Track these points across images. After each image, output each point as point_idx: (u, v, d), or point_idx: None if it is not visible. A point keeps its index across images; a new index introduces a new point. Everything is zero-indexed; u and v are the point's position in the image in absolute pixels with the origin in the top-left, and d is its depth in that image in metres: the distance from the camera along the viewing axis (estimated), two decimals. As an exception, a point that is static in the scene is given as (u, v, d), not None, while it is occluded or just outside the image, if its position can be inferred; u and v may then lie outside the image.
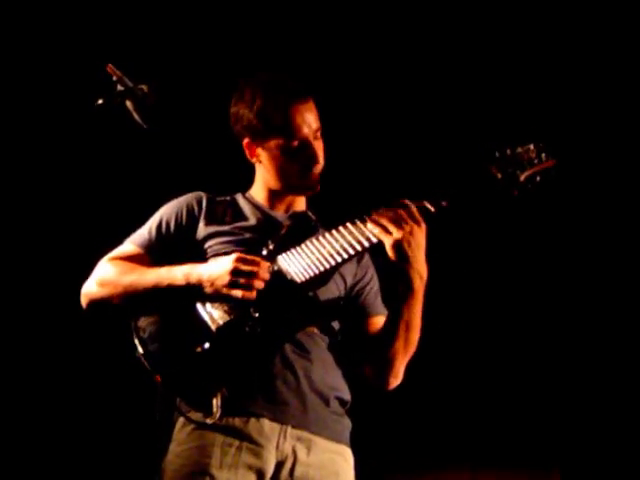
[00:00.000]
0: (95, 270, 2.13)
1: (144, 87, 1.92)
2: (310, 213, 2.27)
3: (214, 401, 1.90)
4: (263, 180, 2.24)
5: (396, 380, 2.14)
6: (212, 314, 1.98)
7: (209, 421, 1.91)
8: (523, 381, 3.69)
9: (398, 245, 1.92)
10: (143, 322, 2.03)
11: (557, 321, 3.71)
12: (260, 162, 2.21)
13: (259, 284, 1.94)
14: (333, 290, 2.11)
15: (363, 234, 1.96)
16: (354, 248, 1.96)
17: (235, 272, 1.93)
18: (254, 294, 1.94)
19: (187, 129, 3.45)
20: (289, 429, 1.98)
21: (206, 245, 2.13)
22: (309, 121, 2.12)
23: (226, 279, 1.93)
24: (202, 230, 2.16)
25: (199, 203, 2.20)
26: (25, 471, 3.53)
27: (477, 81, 3.60)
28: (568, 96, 3.53)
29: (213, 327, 1.97)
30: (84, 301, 2.11)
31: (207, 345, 1.95)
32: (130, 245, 2.16)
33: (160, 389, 1.97)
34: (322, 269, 1.97)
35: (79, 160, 3.39)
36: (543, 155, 1.96)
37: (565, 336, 3.70)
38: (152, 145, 2.88)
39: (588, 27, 3.45)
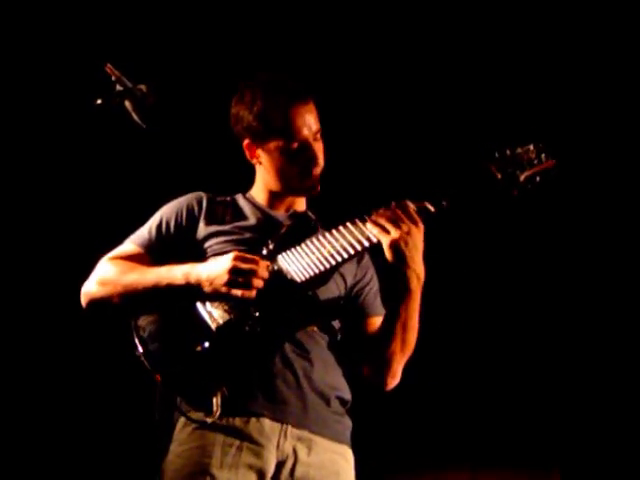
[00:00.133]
0: (95, 269, 2.13)
1: (143, 87, 1.92)
2: (310, 213, 2.27)
3: (214, 400, 1.90)
4: (263, 181, 2.24)
5: (394, 380, 2.14)
6: (212, 313, 1.99)
7: (209, 420, 1.91)
8: (523, 381, 3.69)
9: (395, 245, 1.92)
10: (143, 321, 2.04)
11: (557, 321, 3.71)
12: (260, 163, 2.21)
13: (258, 283, 1.94)
14: (333, 290, 2.11)
15: (363, 234, 1.96)
16: (354, 248, 1.96)
17: (234, 271, 1.93)
18: (254, 293, 1.94)
19: (186, 129, 3.46)
20: (290, 429, 1.98)
21: (206, 245, 2.14)
22: (309, 123, 2.12)
23: (225, 278, 1.93)
24: (202, 230, 2.16)
25: (199, 203, 2.20)
26: (25, 471, 3.53)
27: (477, 81, 3.60)
28: (568, 97, 3.53)
29: (213, 326, 1.97)
30: (84, 300, 2.11)
31: (207, 344, 1.95)
32: (130, 245, 2.16)
33: (160, 388, 1.97)
34: (322, 269, 1.98)
35: (79, 160, 3.40)
36: (543, 155, 1.96)
37: (565, 336, 3.70)
38: (151, 145, 2.89)
39: (587, 27, 3.45)
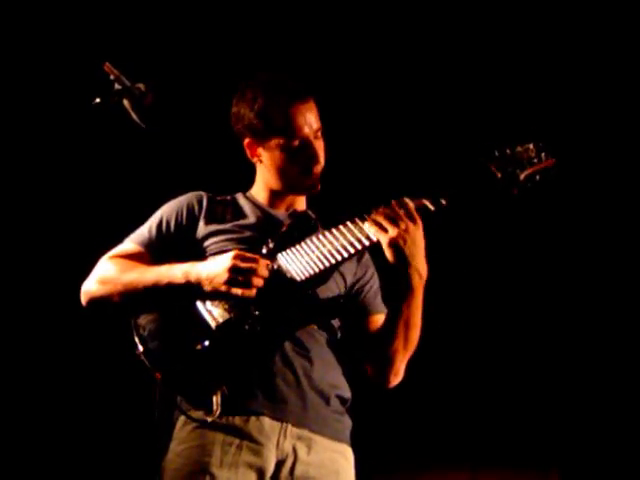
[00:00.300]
0: (95, 268, 2.13)
1: (142, 86, 1.92)
2: (310, 212, 2.27)
3: (214, 399, 1.91)
4: (264, 180, 2.24)
5: (397, 378, 2.14)
6: (212, 312, 1.99)
7: (209, 419, 1.91)
8: (522, 381, 3.68)
9: (394, 243, 1.92)
10: (143, 320, 2.04)
11: (556, 321, 3.70)
12: (261, 162, 2.21)
13: (258, 282, 1.94)
14: (333, 288, 2.11)
15: (363, 233, 1.97)
16: (354, 246, 1.97)
17: (234, 269, 1.93)
18: (254, 292, 1.94)
19: (185, 128, 3.46)
20: (289, 428, 1.98)
21: (206, 244, 2.14)
22: (310, 121, 2.12)
23: (224, 277, 1.93)
24: (202, 229, 2.16)
25: (199, 202, 2.21)
26: (25, 470, 3.53)
27: (477, 80, 3.60)
28: (568, 95, 3.53)
29: (213, 325, 1.97)
30: (84, 299, 2.11)
31: (207, 343, 1.95)
32: (130, 244, 2.16)
33: (160, 387, 1.97)
34: (322, 267, 1.98)
35: (78, 159, 3.39)
36: (543, 154, 1.96)
37: (564, 336, 3.69)
38: (150, 144, 2.88)
39: (587, 27, 3.45)
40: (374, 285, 2.24)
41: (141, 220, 2.20)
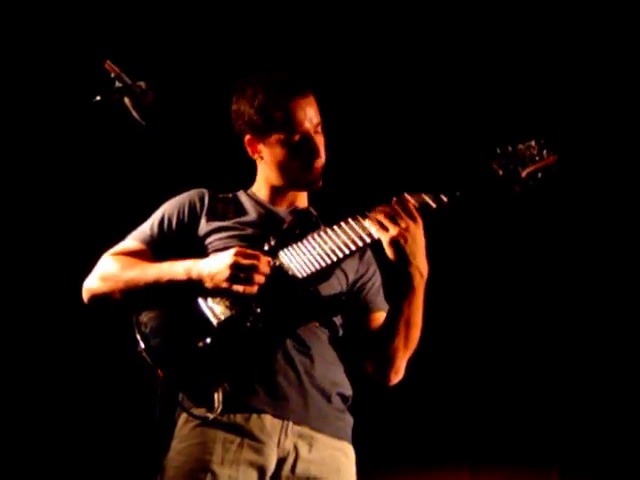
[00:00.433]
0: (97, 265, 2.13)
1: (142, 84, 1.92)
2: (312, 209, 2.27)
3: (216, 396, 1.90)
4: (265, 176, 2.24)
5: (397, 376, 2.14)
6: (214, 309, 1.98)
7: (211, 416, 1.91)
8: (522, 380, 3.68)
9: (394, 241, 1.92)
10: (145, 317, 2.04)
11: (555, 319, 3.70)
12: (262, 158, 2.21)
13: (260, 278, 1.93)
14: (335, 286, 2.11)
15: (364, 230, 1.96)
16: (355, 244, 1.96)
17: (235, 266, 1.92)
18: (255, 289, 1.94)
19: (186, 126, 3.45)
20: (290, 425, 1.98)
21: (208, 241, 2.14)
22: (310, 116, 2.12)
23: (226, 273, 1.93)
24: (204, 226, 2.16)
25: (201, 200, 2.21)
26: (25, 469, 3.53)
27: (478, 77, 3.59)
28: (570, 92, 3.52)
29: (214, 322, 1.97)
30: (86, 296, 2.11)
31: (208, 340, 1.95)
32: (132, 241, 2.17)
33: (162, 385, 1.96)
34: (324, 264, 1.98)
35: (79, 157, 3.39)
36: (544, 151, 1.96)
37: (565, 334, 3.68)
38: (151, 142, 2.88)
39: (588, 23, 3.45)
40: (376, 283, 2.24)
41: (143, 218, 2.20)
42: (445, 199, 1.94)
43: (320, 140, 2.15)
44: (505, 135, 2.01)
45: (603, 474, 3.59)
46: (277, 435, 1.96)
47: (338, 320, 2.17)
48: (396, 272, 1.97)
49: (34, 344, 3.57)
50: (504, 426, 3.65)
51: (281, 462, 1.97)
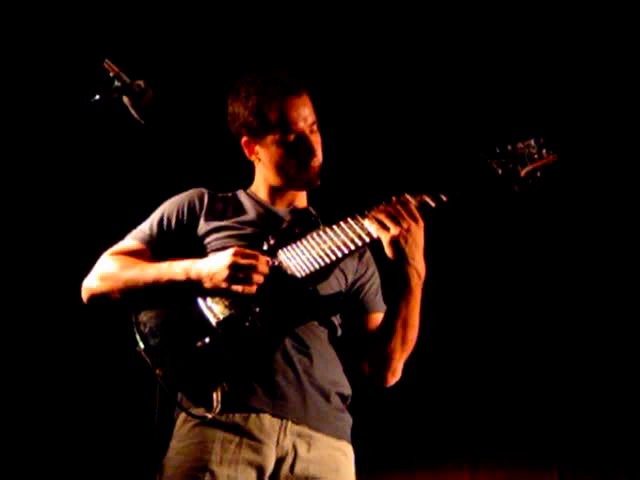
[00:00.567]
0: (96, 265, 2.13)
1: (141, 83, 1.92)
2: (311, 208, 2.26)
3: (214, 396, 1.90)
4: (263, 177, 2.24)
5: (394, 377, 2.14)
6: (213, 309, 1.98)
7: (209, 416, 1.91)
8: (522, 379, 3.68)
9: (395, 242, 1.92)
10: (144, 317, 2.04)
11: (555, 318, 3.69)
12: (259, 160, 2.21)
13: (258, 278, 1.93)
14: (334, 285, 2.12)
15: (364, 229, 1.96)
16: (354, 243, 1.96)
17: (233, 266, 1.92)
18: (254, 289, 1.93)
19: (185, 125, 3.46)
20: (289, 425, 1.98)
21: (207, 240, 2.14)
22: (304, 115, 2.12)
23: (225, 273, 1.92)
24: (203, 226, 2.16)
25: (200, 199, 2.21)
26: (25, 469, 3.53)
27: (478, 76, 3.59)
28: (569, 91, 3.52)
29: (214, 322, 1.97)
30: (85, 295, 2.11)
31: (207, 340, 1.95)
32: (131, 240, 2.17)
33: (161, 384, 1.96)
34: (322, 264, 1.98)
35: (78, 156, 3.39)
36: (544, 151, 1.96)
37: (564, 333, 3.68)
38: (150, 141, 2.88)
39: (587, 22, 3.44)
40: (375, 284, 2.25)
41: (142, 217, 2.20)
42: (445, 198, 1.94)
43: (316, 139, 2.15)
44: (504, 134, 2.01)
45: (603, 474, 3.59)
46: (276, 434, 1.96)
47: (337, 319, 2.17)
48: (394, 272, 1.97)
49: (34, 344, 3.57)
50: (504, 426, 3.65)
51: (280, 462, 1.97)
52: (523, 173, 1.95)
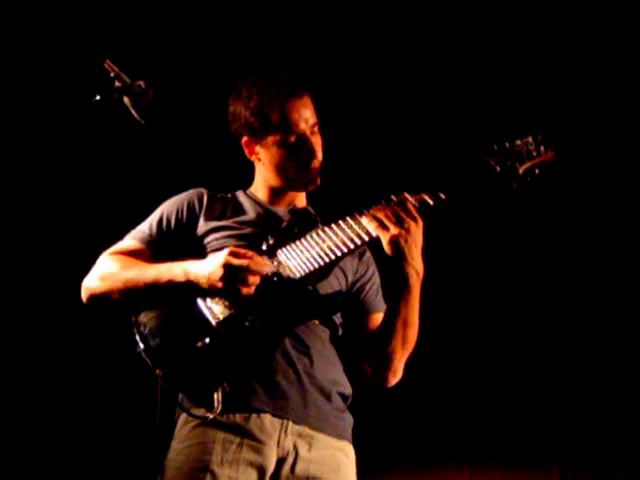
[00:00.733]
0: (96, 265, 2.13)
1: (142, 83, 1.92)
2: (310, 208, 2.27)
3: (215, 396, 1.90)
4: (263, 178, 2.25)
5: (395, 377, 2.14)
6: (212, 309, 1.99)
7: (211, 416, 1.91)
8: (522, 379, 3.68)
9: (394, 241, 1.92)
10: (144, 318, 2.04)
11: (554, 318, 3.69)
12: (259, 160, 2.22)
13: (254, 277, 1.93)
14: (333, 284, 2.12)
15: (362, 228, 1.97)
16: (353, 242, 1.97)
17: (227, 265, 1.92)
18: (251, 288, 1.94)
19: (185, 125, 3.46)
20: (290, 425, 1.98)
21: (206, 240, 2.14)
22: (305, 116, 2.13)
23: (219, 273, 1.93)
24: (202, 226, 2.16)
25: (200, 199, 2.21)
26: (25, 469, 3.53)
27: (475, 73, 3.58)
28: (567, 88, 3.52)
29: (213, 322, 1.97)
30: (84, 295, 2.11)
31: (208, 340, 1.95)
32: (131, 240, 2.17)
33: (161, 385, 1.96)
34: (322, 263, 1.98)
35: (78, 157, 3.39)
36: (542, 148, 1.97)
37: (564, 333, 3.68)
38: (150, 141, 2.89)
39: (583, 19, 3.45)
40: (375, 283, 2.25)
41: (141, 217, 2.20)
42: (443, 197, 1.95)
43: (317, 140, 2.15)
44: (502, 131, 2.01)
45: (603, 474, 3.58)
46: (277, 435, 1.96)
47: (337, 319, 2.17)
48: (394, 271, 1.98)
49: (34, 344, 3.57)
50: (504, 426, 3.65)
51: (281, 462, 1.97)
52: (521, 170, 1.95)
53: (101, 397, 3.57)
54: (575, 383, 3.63)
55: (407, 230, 1.91)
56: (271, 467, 1.96)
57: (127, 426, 3.43)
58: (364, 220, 1.97)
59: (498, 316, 3.69)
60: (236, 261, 1.92)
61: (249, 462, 1.93)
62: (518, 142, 1.97)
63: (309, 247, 2.01)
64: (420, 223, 1.93)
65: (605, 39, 3.44)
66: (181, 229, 2.16)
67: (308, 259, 1.99)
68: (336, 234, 1.99)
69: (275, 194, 2.24)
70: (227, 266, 1.92)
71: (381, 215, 1.94)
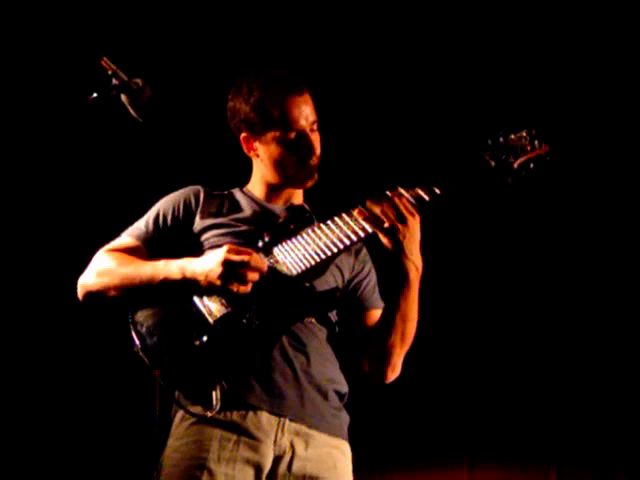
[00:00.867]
0: (92, 262, 2.13)
1: (139, 81, 1.93)
2: (306, 205, 2.27)
3: (213, 394, 1.91)
4: (261, 174, 2.25)
5: (394, 373, 2.14)
6: (209, 307, 1.99)
7: (209, 414, 1.91)
8: (521, 379, 3.68)
9: (393, 237, 1.93)
10: (141, 316, 2.04)
11: (553, 316, 3.69)
12: (257, 156, 2.22)
13: (252, 275, 1.94)
14: (330, 282, 2.12)
15: (358, 224, 1.97)
16: (349, 238, 1.97)
17: (226, 263, 1.93)
18: (249, 286, 1.94)
19: (182, 123, 3.46)
20: (287, 423, 1.98)
21: (203, 238, 2.14)
22: (306, 113, 2.13)
23: (218, 271, 1.93)
24: (199, 223, 2.16)
25: (196, 197, 2.21)
26: (24, 469, 3.53)
27: (470, 69, 3.58)
28: (560, 82, 3.51)
29: (210, 320, 1.97)
30: (81, 292, 2.11)
31: (205, 338, 1.96)
32: (127, 237, 2.17)
33: (159, 383, 1.96)
34: (318, 260, 1.98)
35: (75, 154, 3.40)
36: (536, 142, 1.96)
37: (563, 332, 3.68)
38: (147, 139, 2.89)
39: (577, 14, 3.45)
40: (372, 281, 2.25)
41: (138, 214, 2.20)
42: (439, 192, 1.95)
43: (316, 137, 2.16)
44: (496, 126, 2.01)
45: (603, 474, 3.58)
46: (274, 432, 1.96)
47: (334, 317, 2.17)
48: (392, 267, 1.98)
49: (31, 342, 3.57)
50: (502, 425, 3.65)
51: (278, 460, 1.97)
52: (516, 165, 1.95)
53: (99, 395, 3.57)
54: (574, 383, 3.64)
55: (404, 224, 1.92)
56: (268, 465, 1.95)
57: (124, 424, 3.43)
58: (360, 216, 1.97)
59: (498, 315, 3.69)
60: (236, 258, 1.93)
61: (246, 460, 1.93)
62: (512, 136, 1.97)
63: (305, 244, 2.01)
64: (417, 218, 1.94)
65: (597, 33, 3.44)
66: (177, 226, 2.16)
67: (304, 256, 1.99)
68: (332, 231, 1.99)
69: (272, 191, 2.24)
70: (226, 263, 1.92)
71: (378, 211, 1.94)
